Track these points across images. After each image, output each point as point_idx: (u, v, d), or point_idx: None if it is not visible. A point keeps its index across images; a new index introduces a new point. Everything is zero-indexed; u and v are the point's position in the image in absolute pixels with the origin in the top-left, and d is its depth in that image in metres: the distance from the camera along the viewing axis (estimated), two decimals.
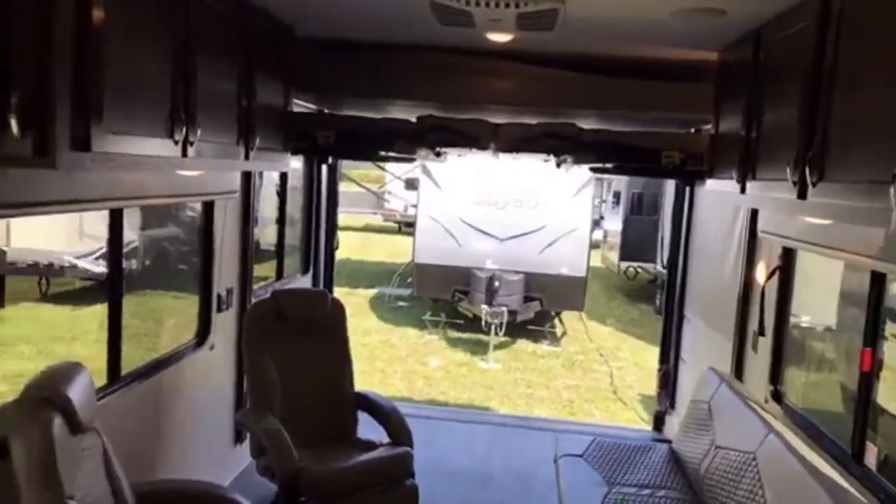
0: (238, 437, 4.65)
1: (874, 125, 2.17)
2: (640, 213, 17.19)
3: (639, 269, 18.03)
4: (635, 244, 17.06)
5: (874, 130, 2.17)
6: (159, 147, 2.77)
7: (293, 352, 4.30)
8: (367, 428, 4.47)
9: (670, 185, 13.87)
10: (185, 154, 2.92)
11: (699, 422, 4.01)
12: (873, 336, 3.11)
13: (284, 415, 4.04)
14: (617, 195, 18.26)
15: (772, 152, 2.99)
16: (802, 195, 2.57)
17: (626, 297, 17.70)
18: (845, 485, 2.93)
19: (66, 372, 2.54)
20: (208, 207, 4.28)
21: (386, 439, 4.26)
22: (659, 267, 14.15)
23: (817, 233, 3.05)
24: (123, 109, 2.41)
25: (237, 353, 4.60)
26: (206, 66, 3.04)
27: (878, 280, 3.08)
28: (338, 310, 4.56)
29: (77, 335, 9.51)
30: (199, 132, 2.95)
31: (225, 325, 4.55)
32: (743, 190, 3.27)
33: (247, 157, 3.61)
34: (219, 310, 4.43)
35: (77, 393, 2.46)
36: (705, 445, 3.80)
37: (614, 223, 18.32)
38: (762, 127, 3.12)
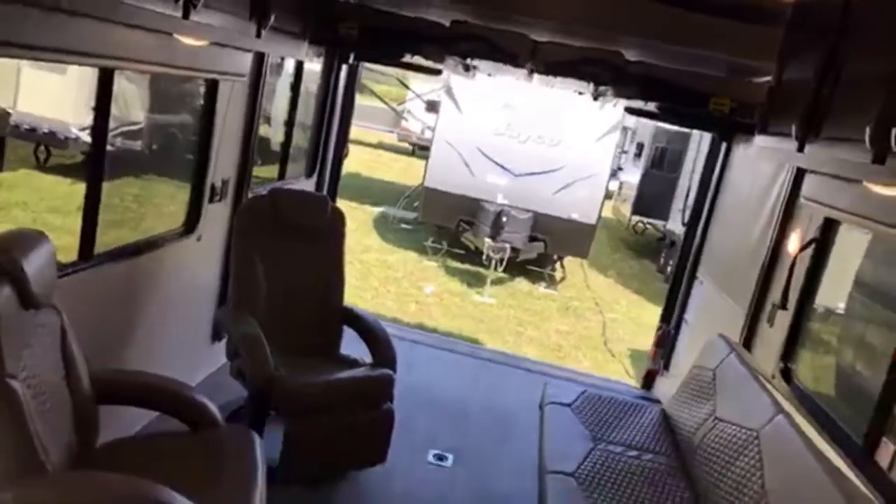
0: (216, 335, 4.44)
1: None
2: (660, 168, 16.72)
3: (648, 226, 17.70)
4: (650, 199, 16.67)
5: None
6: (158, 2, 2.43)
7: (284, 255, 4.03)
8: (352, 345, 4.25)
9: (694, 143, 13.52)
10: (186, 16, 2.58)
11: (700, 389, 3.78)
12: None
13: (266, 319, 3.81)
14: (640, 147, 17.75)
15: (847, 110, 2.63)
16: (880, 159, 2.24)
17: (631, 252, 17.44)
18: (855, 480, 2.71)
19: (26, 240, 2.27)
20: (212, 87, 3.94)
21: (369, 359, 4.05)
22: (677, 226, 13.80)
23: (881, 207, 2.72)
24: None
25: (226, 248, 4.35)
26: None
27: None
28: (337, 218, 4.27)
29: (73, 209, 9.29)
30: None
31: (217, 216, 4.27)
32: (801, 148, 2.92)
33: (258, 36, 3.26)
34: (211, 200, 4.15)
35: (35, 264, 2.21)
36: (704, 415, 3.58)
37: (632, 175, 17.86)
38: (838, 80, 2.75)
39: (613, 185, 17.30)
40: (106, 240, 3.43)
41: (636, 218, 17.58)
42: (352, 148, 12.12)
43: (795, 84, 3.27)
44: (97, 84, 3.02)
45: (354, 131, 16.56)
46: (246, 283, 3.88)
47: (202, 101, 4.07)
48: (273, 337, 3.69)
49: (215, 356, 4.37)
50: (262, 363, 3.48)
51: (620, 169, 18.66)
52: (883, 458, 2.82)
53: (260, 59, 4.28)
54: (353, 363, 4.01)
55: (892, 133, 2.16)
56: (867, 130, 2.31)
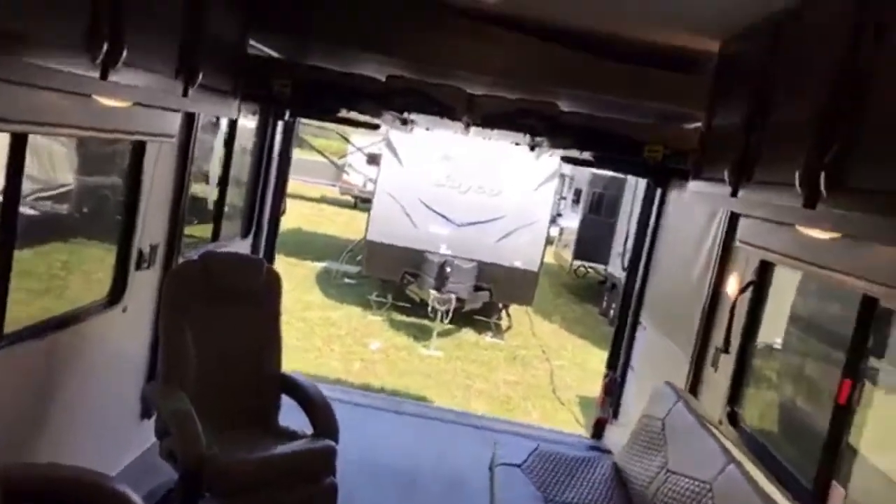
0: (146, 412, 4.17)
1: None
2: (598, 213, 17.10)
3: (589, 270, 17.96)
4: (590, 244, 16.98)
5: None
6: (73, 63, 2.30)
7: (216, 322, 3.84)
8: (292, 415, 4.05)
9: (630, 188, 13.88)
10: (104, 76, 2.45)
11: (650, 440, 3.73)
12: (854, 367, 2.86)
13: (198, 392, 3.59)
14: (578, 193, 18.15)
15: (777, 155, 2.68)
16: (811, 204, 2.26)
17: (574, 296, 17.61)
18: None
19: None
20: (138, 149, 3.78)
21: (310, 429, 3.85)
22: (617, 270, 14.03)
23: (813, 249, 2.76)
24: (31, 7, 1.95)
25: (155, 318, 4.12)
26: None
27: (868, 307, 2.82)
28: (273, 281, 4.11)
29: None
30: (125, 53, 2.47)
31: (145, 284, 4.06)
32: (734, 193, 2.96)
33: (185, 95, 3.14)
34: (139, 267, 3.94)
35: None
36: (656, 467, 3.52)
37: (571, 221, 18.19)
38: (768, 127, 2.80)
39: (554, 231, 17.59)
40: (30, 311, 3.19)
41: (577, 262, 17.84)
42: (293, 202, 11.96)
43: (725, 130, 3.34)
44: (8, 149, 2.84)
45: (295, 186, 16.38)
46: (175, 356, 3.67)
47: (128, 164, 3.91)
48: (206, 411, 3.47)
49: (145, 434, 4.09)
50: (192, 441, 3.24)
51: (560, 215, 18.99)
52: (834, 502, 2.80)
53: (190, 118, 4.15)
54: (293, 435, 3.81)
55: (820, 178, 2.19)
56: (797, 175, 2.34)
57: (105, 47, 2.37)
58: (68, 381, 3.42)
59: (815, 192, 2.24)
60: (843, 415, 2.85)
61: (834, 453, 2.86)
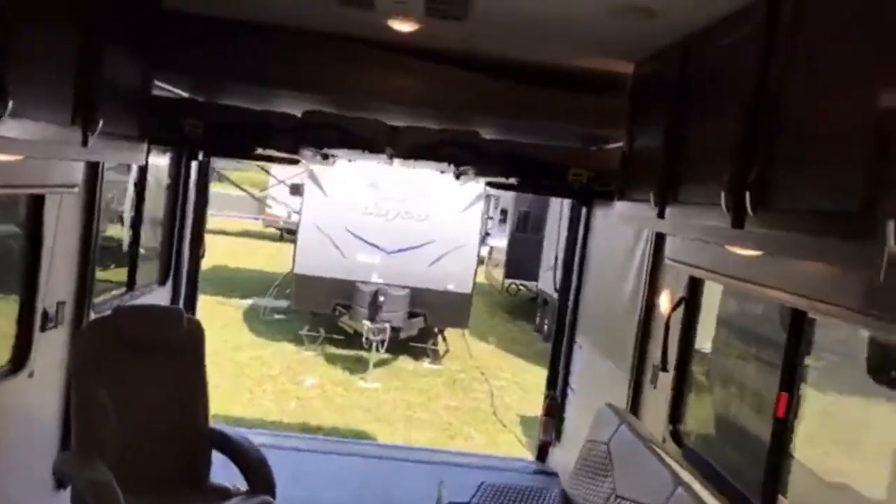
0: (60, 483, 3.84)
1: (831, 148, 1.89)
2: (525, 231, 17.32)
3: (521, 287, 18.11)
4: (519, 262, 17.15)
5: (831, 154, 1.89)
6: None
7: (135, 381, 3.59)
8: (224, 470, 3.82)
9: (555, 204, 14.11)
10: None
11: (596, 465, 3.68)
12: (790, 379, 2.89)
13: (118, 458, 3.33)
14: (504, 212, 18.33)
15: (700, 175, 2.69)
16: (738, 223, 2.27)
17: (508, 315, 17.70)
18: None
19: None
20: (36, 203, 3.51)
21: (244, 485, 3.63)
22: (547, 286, 14.17)
23: (741, 266, 2.78)
24: None
25: (66, 381, 3.82)
26: (29, 21, 2.37)
27: (798, 320, 2.86)
28: (194, 332, 3.88)
29: None
30: (10, 104, 2.27)
31: (52, 345, 3.75)
32: (661, 214, 2.96)
33: (84, 144, 2.92)
34: (44, 328, 3.64)
35: None
36: (604, 494, 3.47)
37: (499, 240, 18.34)
38: (687, 147, 2.83)
39: (484, 251, 17.69)
40: None
41: (508, 281, 17.97)
42: (214, 238, 11.54)
43: (646, 151, 3.37)
44: None
45: (217, 221, 15.86)
46: (90, 421, 3.40)
47: (26, 217, 3.62)
48: (128, 478, 3.22)
49: None
50: None
51: (488, 234, 19.13)
52: None
53: (94, 165, 3.90)
54: (226, 493, 3.58)
55: (745, 198, 2.20)
56: (722, 195, 2.34)
57: None
58: None
59: (742, 213, 2.24)
60: (783, 428, 2.86)
61: (777, 466, 2.87)
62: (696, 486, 3.01)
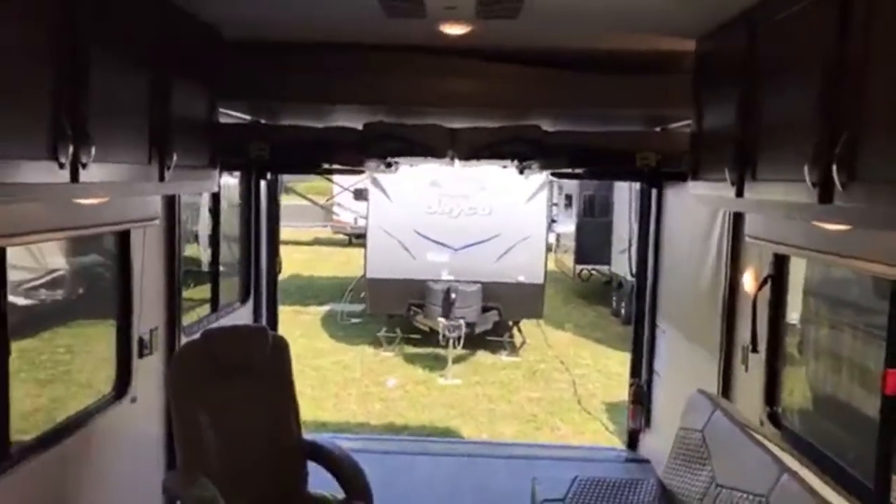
0: (171, 500, 4.03)
1: None
2: (592, 214, 17.05)
3: (592, 272, 17.84)
4: (589, 246, 16.90)
5: None
6: (40, 172, 2.20)
7: (229, 400, 3.72)
8: (320, 479, 3.91)
9: (621, 186, 13.83)
10: (75, 179, 2.35)
11: (693, 454, 3.59)
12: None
13: (221, 474, 3.46)
14: (569, 197, 18.08)
15: (777, 150, 2.58)
16: (826, 198, 2.16)
17: (582, 300, 17.48)
18: None
19: None
20: (122, 237, 3.68)
21: (341, 492, 3.71)
22: (620, 268, 13.94)
23: (831, 239, 2.65)
24: None
25: (166, 404, 3.99)
26: (103, 68, 2.48)
27: None
28: (280, 348, 3.99)
29: None
30: (93, 151, 2.38)
31: (150, 371, 3.94)
32: (740, 192, 2.86)
33: (161, 178, 3.04)
34: (141, 355, 3.82)
35: None
36: (703, 482, 3.38)
37: (567, 226, 18.11)
38: (762, 121, 2.71)
39: (552, 239, 17.53)
40: (39, 403, 3.04)
41: (580, 266, 17.73)
42: (287, 249, 11.82)
43: (718, 129, 3.25)
44: None
45: (288, 232, 16.30)
46: (192, 441, 3.54)
47: (115, 252, 3.80)
48: (232, 492, 3.35)
49: None
50: None
51: (555, 221, 18.93)
52: None
53: (171, 196, 4.06)
54: (325, 502, 3.67)
55: (832, 171, 2.09)
56: (805, 170, 2.24)
57: (71, 150, 2.27)
58: (86, 486, 3.29)
59: (829, 186, 2.13)
60: (893, 405, 2.72)
61: (889, 446, 2.72)
62: (801, 470, 2.89)
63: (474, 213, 12.20)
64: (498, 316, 12.42)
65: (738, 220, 3.96)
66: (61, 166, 2.25)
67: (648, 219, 5.50)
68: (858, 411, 3.57)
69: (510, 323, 13.28)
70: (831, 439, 3.46)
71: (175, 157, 3.09)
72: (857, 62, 2.04)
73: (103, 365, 3.85)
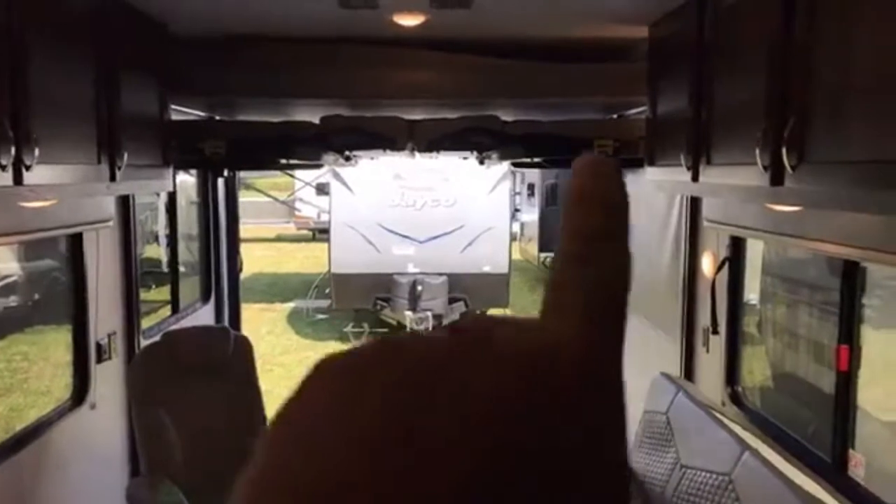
0: None
1: (870, 95, 1.81)
2: (554, 203, 17.15)
3: None
4: (553, 235, 17.01)
5: (871, 101, 1.81)
6: None
7: (193, 402, 3.67)
8: None
9: None
10: (18, 181, 2.27)
11: (657, 436, 3.64)
12: (849, 331, 2.81)
13: (187, 479, 3.42)
14: (531, 187, 18.19)
15: (731, 134, 2.62)
16: (778, 180, 2.20)
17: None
18: (833, 502, 2.61)
19: None
20: (75, 240, 3.58)
21: None
22: None
23: (785, 221, 2.71)
24: None
25: (127, 409, 3.91)
26: (44, 65, 2.40)
27: (850, 271, 2.78)
28: (243, 348, 3.94)
29: None
30: (37, 152, 2.30)
31: (110, 376, 3.84)
32: (695, 178, 2.90)
33: (113, 178, 2.96)
34: (99, 360, 3.73)
35: None
36: (668, 464, 3.43)
37: (530, 215, 18.23)
38: (715, 106, 2.75)
39: (516, 228, 17.61)
40: None
41: (544, 255, 17.86)
42: (249, 247, 11.67)
43: (673, 115, 3.29)
44: None
45: (249, 230, 16.07)
46: (155, 446, 3.48)
47: (67, 256, 3.70)
48: (199, 496, 3.31)
49: None
50: None
51: (518, 210, 19.03)
52: (856, 471, 2.74)
53: (126, 197, 3.96)
54: None
55: (782, 154, 2.13)
56: (757, 153, 2.28)
57: (13, 151, 2.20)
58: (46, 497, 3.20)
59: (780, 169, 2.17)
60: (847, 381, 2.79)
61: (845, 421, 2.80)
62: (763, 448, 2.95)
63: (438, 204, 12.18)
64: (465, 307, 12.44)
65: (695, 204, 4.02)
66: (2, 168, 2.18)
67: None
68: (815, 387, 3.67)
69: (477, 312, 13.32)
70: (790, 416, 3.55)
71: (126, 157, 3.01)
72: (803, 46, 2.07)
73: (62, 372, 3.76)
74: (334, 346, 12.60)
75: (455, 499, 0.26)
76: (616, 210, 0.32)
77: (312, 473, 0.27)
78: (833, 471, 2.79)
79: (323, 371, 0.29)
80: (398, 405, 0.27)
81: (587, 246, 0.31)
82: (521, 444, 0.27)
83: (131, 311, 4.06)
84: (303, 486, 0.27)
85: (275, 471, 0.29)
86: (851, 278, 2.78)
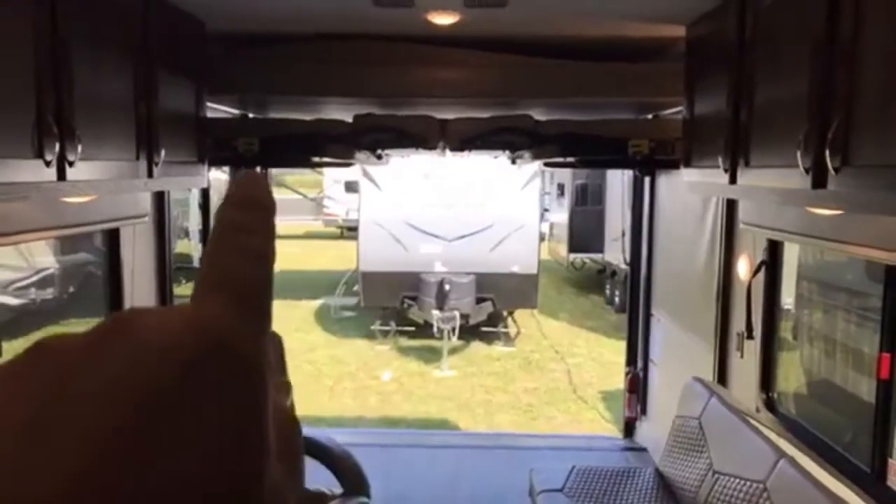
0: None
1: None
2: (584, 203, 17.02)
3: (586, 260, 17.85)
4: (583, 235, 16.88)
5: None
6: (26, 170, 2.17)
7: None
8: (316, 474, 3.89)
9: (613, 174, 13.82)
10: (62, 177, 2.32)
11: (690, 442, 3.59)
12: (891, 338, 2.74)
13: None
14: (561, 186, 18.06)
15: (770, 136, 2.57)
16: (820, 183, 2.15)
17: (576, 289, 17.50)
18: None
19: None
20: (112, 235, 3.64)
21: (338, 487, 3.70)
22: (614, 256, 13.99)
23: (825, 224, 2.65)
24: None
25: None
26: (87, 63, 2.44)
27: (894, 275, 2.70)
28: (274, 344, 3.96)
29: None
30: (79, 148, 2.35)
31: None
32: (733, 179, 2.85)
33: (150, 175, 3.00)
34: None
35: None
36: (701, 470, 3.38)
37: (560, 215, 18.10)
38: (754, 107, 2.70)
39: (544, 228, 17.52)
40: None
41: (573, 255, 17.73)
42: (279, 243, 11.70)
43: (710, 115, 3.23)
44: None
45: (279, 226, 16.16)
46: None
47: (104, 250, 3.77)
48: None
49: None
50: None
51: (547, 210, 18.92)
52: (895, 481, 2.67)
53: (161, 193, 4.02)
54: (322, 498, 3.64)
55: (825, 156, 2.08)
56: (798, 155, 2.23)
57: (57, 148, 2.24)
58: None
59: (823, 172, 2.12)
60: (888, 389, 2.72)
61: (885, 430, 2.73)
62: (798, 456, 2.90)
63: (467, 203, 12.17)
64: (492, 306, 12.42)
65: (731, 206, 3.95)
66: (48, 164, 2.22)
67: (641, 207, 5.48)
68: (854, 395, 3.58)
69: (504, 313, 13.29)
70: (827, 424, 3.46)
71: (163, 153, 3.06)
72: (848, 45, 2.02)
73: None
74: (361, 344, 12.67)
75: (102, 481, 0.27)
76: (256, 208, 0.36)
77: None
78: (872, 480, 2.72)
79: (16, 358, 0.31)
80: (52, 393, 0.28)
81: (226, 237, 0.34)
82: (145, 424, 0.28)
83: (165, 305, 4.11)
84: None
85: None
86: (894, 284, 2.71)
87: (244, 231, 0.35)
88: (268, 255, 0.35)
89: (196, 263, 5.79)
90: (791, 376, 4.06)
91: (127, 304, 3.76)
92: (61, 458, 0.27)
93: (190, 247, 6.25)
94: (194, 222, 5.92)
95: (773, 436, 3.10)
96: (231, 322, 0.31)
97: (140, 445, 0.27)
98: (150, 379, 0.28)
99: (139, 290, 3.88)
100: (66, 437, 0.27)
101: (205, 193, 5.26)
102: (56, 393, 0.28)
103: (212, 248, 0.34)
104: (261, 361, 0.33)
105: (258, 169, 5.18)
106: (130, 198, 3.53)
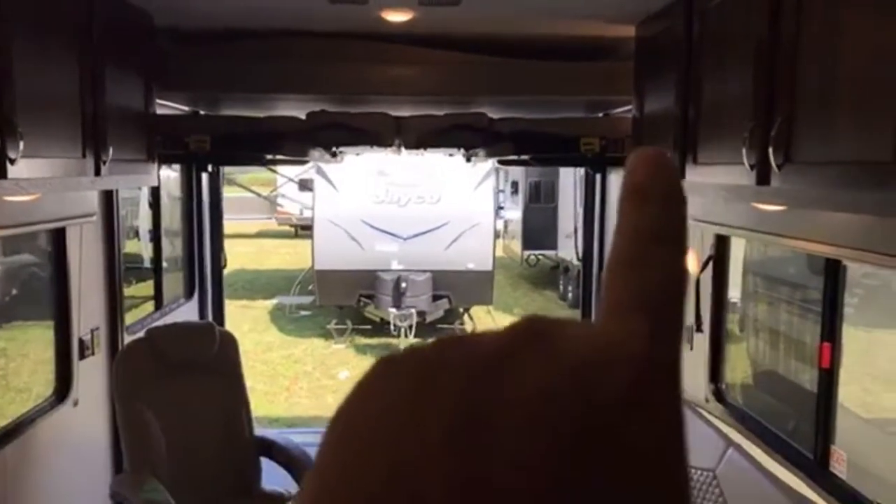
0: None
1: (856, 95, 1.84)
2: (538, 201, 17.20)
3: (539, 257, 18.06)
4: (536, 232, 17.07)
5: (857, 101, 1.84)
6: None
7: (177, 399, 3.64)
8: (273, 475, 3.87)
9: (566, 172, 13.99)
10: (2, 175, 2.25)
11: None
12: (831, 329, 2.85)
13: (172, 476, 3.39)
14: (515, 184, 18.22)
15: (717, 133, 2.64)
16: (764, 180, 2.22)
17: (531, 286, 17.68)
18: (815, 497, 2.65)
19: None
20: (58, 235, 3.54)
21: (295, 488, 3.68)
22: (567, 253, 14.16)
23: (770, 220, 2.74)
24: None
25: (111, 405, 3.87)
26: (28, 56, 2.37)
27: (833, 269, 2.82)
28: (228, 344, 3.92)
29: None
30: (21, 145, 2.27)
31: (93, 372, 3.80)
32: (682, 176, 2.92)
33: (97, 173, 2.93)
34: (82, 356, 3.69)
35: None
36: None
37: (514, 212, 18.26)
38: (701, 105, 2.77)
39: (499, 225, 17.64)
40: None
41: (527, 252, 17.91)
42: (233, 242, 11.57)
43: (659, 113, 3.31)
44: None
45: (231, 225, 15.98)
46: (139, 443, 3.45)
47: (50, 251, 3.66)
48: (184, 493, 3.28)
49: None
50: None
51: (502, 208, 19.04)
52: (838, 467, 2.79)
53: (109, 192, 3.92)
54: (279, 499, 3.63)
55: (769, 153, 2.15)
56: (744, 153, 2.30)
57: None
58: (28, 495, 3.16)
59: (766, 169, 2.20)
60: (829, 378, 2.84)
61: (827, 418, 2.84)
62: (747, 445, 2.99)
63: (422, 201, 12.18)
64: (448, 304, 12.46)
65: None
66: None
67: (593, 204, 5.57)
68: (797, 385, 3.72)
69: (461, 310, 13.35)
70: (773, 413, 3.59)
71: (111, 151, 2.99)
72: (789, 45, 2.10)
73: (43, 368, 3.71)
74: (317, 343, 12.56)
75: (533, 498, 0.25)
76: (675, 209, 0.32)
77: (382, 480, 0.26)
78: (816, 466, 2.83)
79: (388, 371, 0.29)
80: (466, 407, 0.26)
81: (644, 247, 0.30)
82: (586, 443, 0.26)
83: (115, 307, 4.02)
84: (370, 493, 0.26)
85: (341, 477, 0.27)
86: (834, 277, 2.82)
87: (662, 240, 0.31)
88: (685, 270, 0.31)
89: (148, 264, 5.65)
90: (738, 367, 4.19)
91: (74, 306, 3.66)
92: (487, 475, 0.24)
93: (140, 246, 6.10)
94: (144, 221, 5.79)
95: (722, 425, 3.19)
96: (653, 344, 0.29)
97: (579, 469, 0.25)
98: (593, 397, 0.26)
99: (87, 291, 3.78)
100: (490, 452, 0.25)
101: (155, 192, 5.15)
102: (492, 398, 0.26)
103: (626, 258, 0.31)
104: (681, 384, 0.31)
105: (209, 167, 5.11)
106: (77, 196, 3.43)
